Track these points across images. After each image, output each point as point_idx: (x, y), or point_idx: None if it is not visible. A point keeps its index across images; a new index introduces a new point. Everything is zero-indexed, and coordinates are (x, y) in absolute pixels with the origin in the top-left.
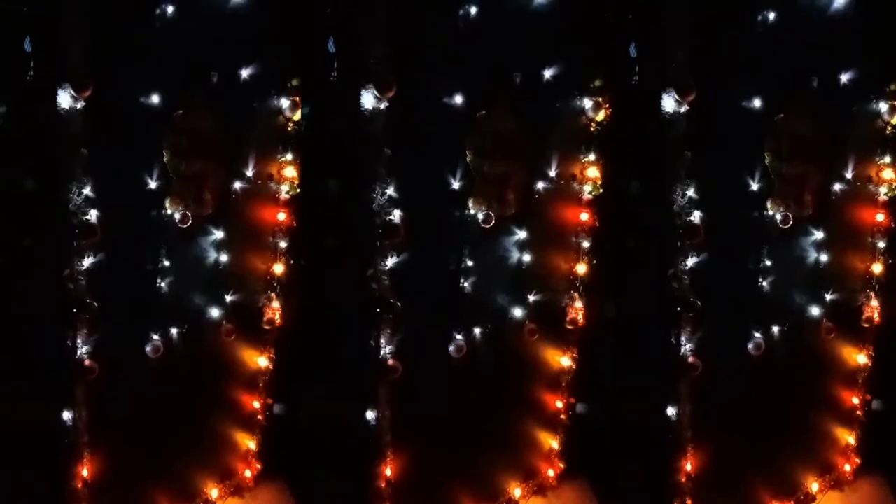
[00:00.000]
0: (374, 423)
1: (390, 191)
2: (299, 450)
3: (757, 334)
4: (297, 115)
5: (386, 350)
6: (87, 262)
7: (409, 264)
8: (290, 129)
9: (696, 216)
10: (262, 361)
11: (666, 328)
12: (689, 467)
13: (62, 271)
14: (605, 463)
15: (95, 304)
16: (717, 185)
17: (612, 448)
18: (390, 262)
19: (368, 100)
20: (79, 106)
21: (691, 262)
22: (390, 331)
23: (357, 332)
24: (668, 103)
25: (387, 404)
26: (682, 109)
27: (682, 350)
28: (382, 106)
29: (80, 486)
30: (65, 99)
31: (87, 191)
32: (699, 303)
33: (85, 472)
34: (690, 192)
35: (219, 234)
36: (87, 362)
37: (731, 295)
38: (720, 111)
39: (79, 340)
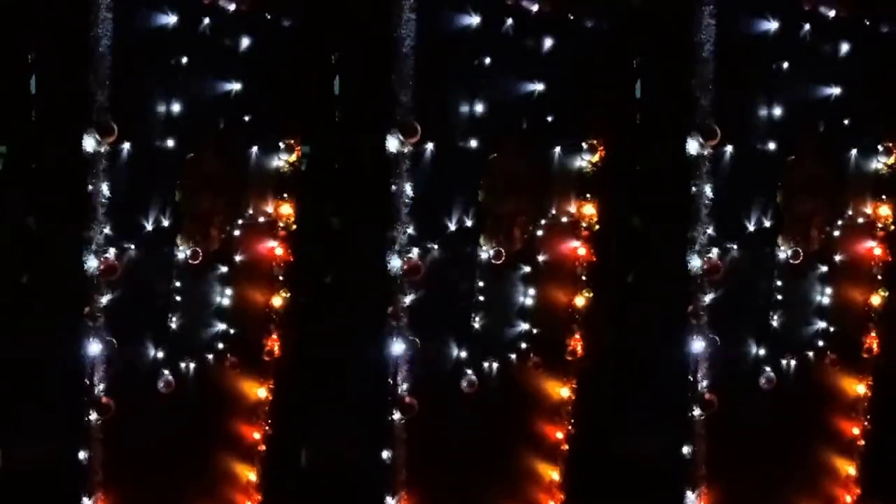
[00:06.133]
0: (389, 461)
1: (410, 230)
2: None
3: (768, 368)
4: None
5: (403, 388)
6: (105, 299)
7: (424, 301)
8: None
9: (714, 253)
10: (261, 392)
11: (684, 364)
12: None
13: (82, 309)
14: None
15: (114, 340)
16: (732, 224)
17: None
18: (408, 299)
19: (393, 144)
20: (103, 150)
21: (709, 298)
22: (408, 367)
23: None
24: (692, 146)
25: (402, 442)
26: (706, 153)
27: (700, 387)
28: (406, 150)
29: None
30: (90, 143)
31: (107, 230)
32: (718, 339)
33: None
34: (710, 231)
35: (223, 270)
36: (104, 400)
37: (743, 329)
38: (738, 153)
39: (96, 378)
